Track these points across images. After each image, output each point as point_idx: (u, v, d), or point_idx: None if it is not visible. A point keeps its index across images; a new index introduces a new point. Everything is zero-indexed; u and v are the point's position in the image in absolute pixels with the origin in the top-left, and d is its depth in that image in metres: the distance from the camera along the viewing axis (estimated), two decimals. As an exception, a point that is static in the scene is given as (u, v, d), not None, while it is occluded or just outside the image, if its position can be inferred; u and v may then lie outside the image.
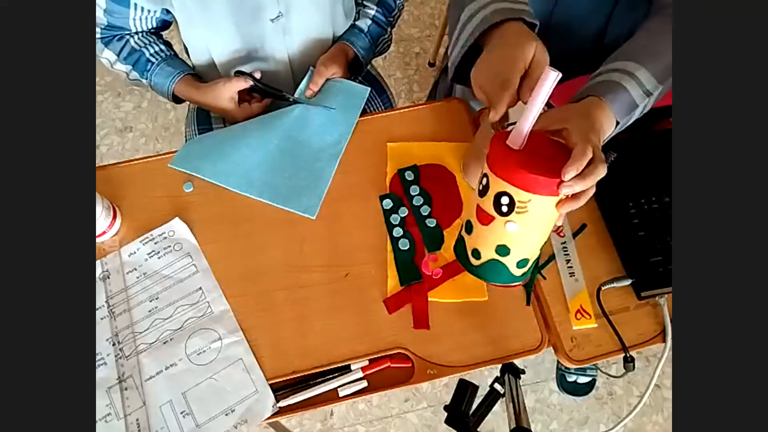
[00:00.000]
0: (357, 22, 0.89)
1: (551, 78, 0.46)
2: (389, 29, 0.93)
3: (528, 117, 0.49)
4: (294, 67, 0.87)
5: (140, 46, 0.82)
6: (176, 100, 0.86)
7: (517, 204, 0.50)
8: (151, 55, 0.82)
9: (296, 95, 0.82)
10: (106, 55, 0.82)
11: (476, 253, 0.56)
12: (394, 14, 0.92)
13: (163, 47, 0.85)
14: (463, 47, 0.63)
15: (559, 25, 0.81)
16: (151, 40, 0.84)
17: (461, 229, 0.59)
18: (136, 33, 0.82)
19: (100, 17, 0.77)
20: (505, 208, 0.51)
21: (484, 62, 0.59)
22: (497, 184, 0.51)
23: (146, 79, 0.83)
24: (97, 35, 0.80)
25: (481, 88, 0.58)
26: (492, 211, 0.52)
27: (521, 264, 0.55)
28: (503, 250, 0.54)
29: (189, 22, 0.78)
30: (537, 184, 0.49)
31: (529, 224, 0.52)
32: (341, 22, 0.86)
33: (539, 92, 0.47)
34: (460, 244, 0.59)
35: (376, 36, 0.89)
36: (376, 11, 0.89)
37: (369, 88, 0.83)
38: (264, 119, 0.80)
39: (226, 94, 0.80)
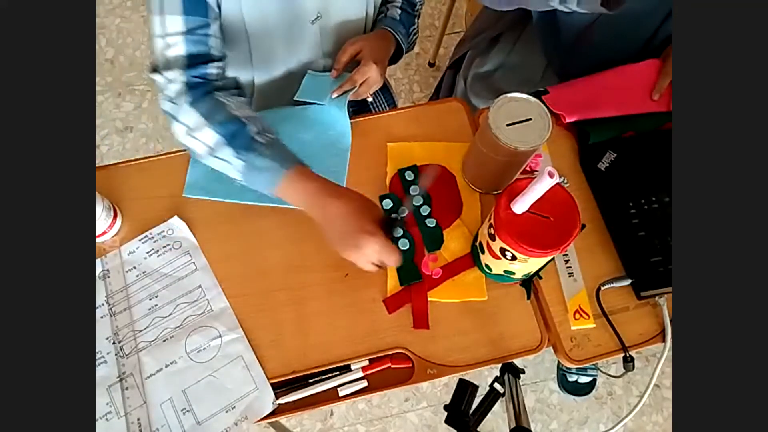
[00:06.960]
0: (388, 13, 0.89)
1: (547, 177, 0.52)
2: (416, 20, 0.94)
3: (526, 201, 0.56)
4: (324, 68, 0.88)
5: (242, 116, 0.62)
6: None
7: (519, 258, 0.60)
8: (256, 133, 0.62)
9: (297, 96, 0.81)
10: (184, 119, 0.63)
11: (488, 267, 0.68)
12: (417, 9, 0.94)
13: (270, 130, 0.65)
14: None
15: (611, 22, 0.82)
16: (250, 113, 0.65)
17: (477, 244, 0.69)
18: (223, 88, 0.67)
19: (179, 53, 0.61)
20: (509, 255, 0.60)
21: None
22: (501, 242, 0.59)
23: (243, 158, 0.61)
24: (176, 89, 0.62)
25: None
26: (498, 254, 0.62)
27: (526, 276, 0.68)
28: (510, 273, 0.65)
29: None
30: (532, 254, 0.58)
31: (531, 265, 0.62)
32: (372, 17, 0.87)
33: (537, 185, 0.54)
34: (475, 253, 0.70)
35: (408, 24, 0.90)
36: (403, 3, 0.90)
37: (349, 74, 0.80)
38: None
39: (375, 211, 0.61)
